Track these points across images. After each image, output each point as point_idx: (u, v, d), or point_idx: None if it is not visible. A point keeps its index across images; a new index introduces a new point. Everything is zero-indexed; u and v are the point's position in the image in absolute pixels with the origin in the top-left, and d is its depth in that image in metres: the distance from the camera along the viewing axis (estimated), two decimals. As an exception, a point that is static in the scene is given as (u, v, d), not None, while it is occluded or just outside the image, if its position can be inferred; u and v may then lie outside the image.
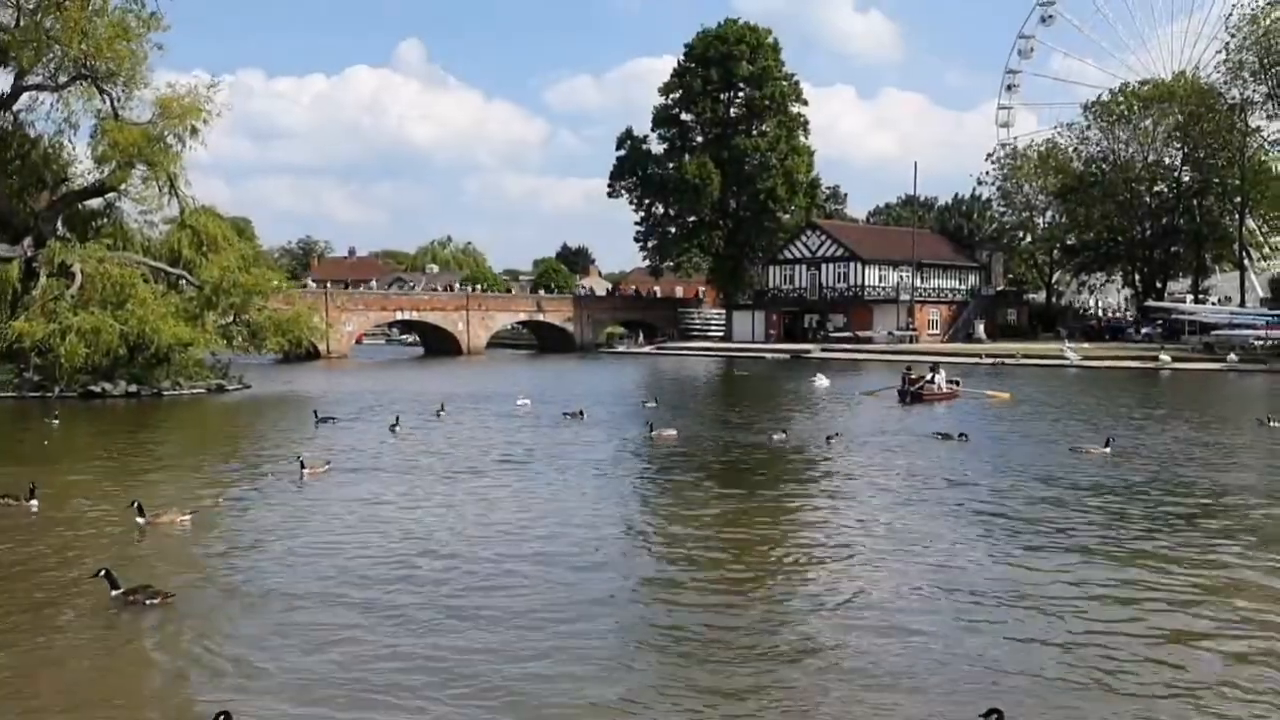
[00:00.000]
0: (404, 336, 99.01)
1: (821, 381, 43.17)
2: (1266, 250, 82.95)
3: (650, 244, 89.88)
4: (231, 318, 43.75)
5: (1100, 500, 17.42)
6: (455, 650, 10.11)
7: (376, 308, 78.84)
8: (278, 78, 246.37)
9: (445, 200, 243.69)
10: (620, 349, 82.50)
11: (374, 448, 24.47)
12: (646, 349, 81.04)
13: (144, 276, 40.60)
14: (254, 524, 16.05)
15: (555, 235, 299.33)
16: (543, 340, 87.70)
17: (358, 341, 79.58)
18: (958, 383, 38.41)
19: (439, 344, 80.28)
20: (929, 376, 36.48)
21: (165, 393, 39.54)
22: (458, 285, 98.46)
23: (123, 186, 43.20)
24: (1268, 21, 69.93)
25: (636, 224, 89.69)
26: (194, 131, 42.41)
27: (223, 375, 43.34)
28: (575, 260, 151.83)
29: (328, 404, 35.90)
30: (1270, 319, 62.50)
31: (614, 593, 12.15)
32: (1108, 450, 22.50)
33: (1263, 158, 75.69)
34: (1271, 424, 27.10)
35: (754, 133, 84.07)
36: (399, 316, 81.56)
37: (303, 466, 20.13)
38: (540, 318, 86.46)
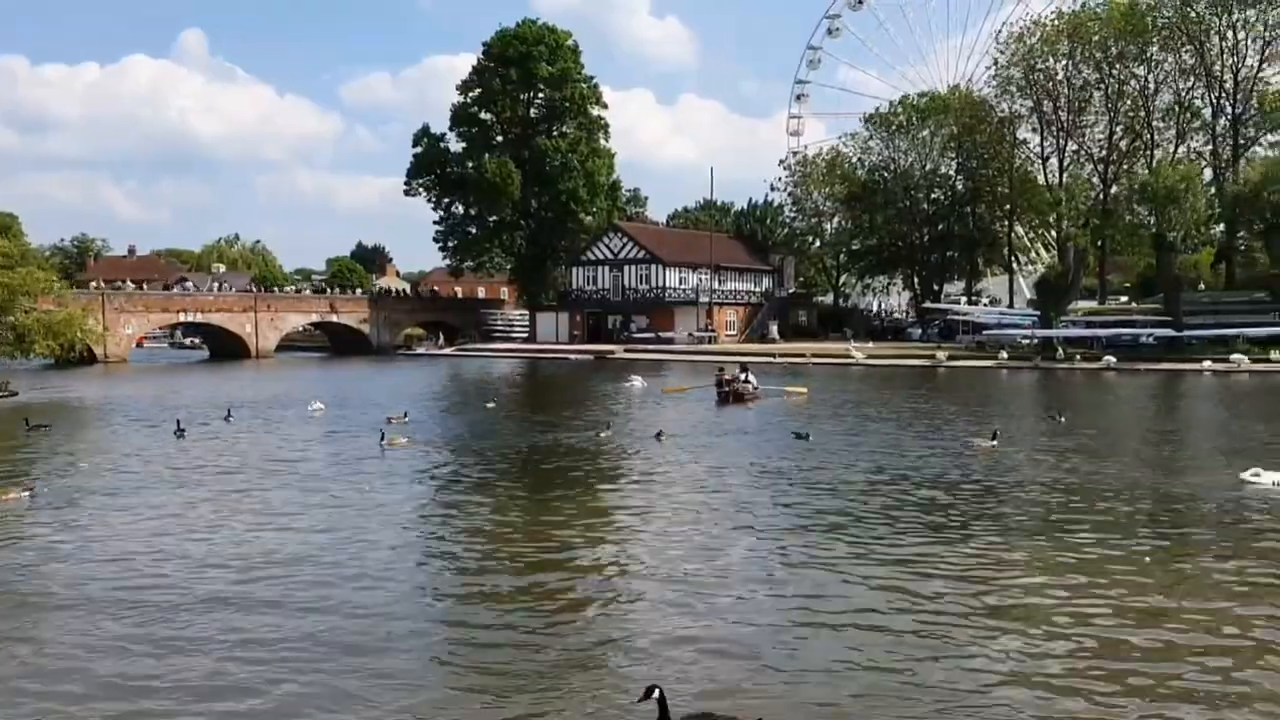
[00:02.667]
0: (188, 339, 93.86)
1: (637, 383, 43.58)
2: (1032, 255, 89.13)
3: (450, 243, 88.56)
4: (-8, 320, 40.51)
5: (941, 495, 18.19)
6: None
7: (158, 309, 74.33)
8: (45, 65, 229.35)
9: (233, 197, 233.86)
10: (420, 351, 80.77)
11: (123, 463, 22.49)
12: (447, 351, 79.67)
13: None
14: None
15: (350, 234, 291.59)
16: (337, 342, 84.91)
17: (138, 345, 75.02)
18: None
19: (225, 347, 76.42)
20: (741, 376, 37.29)
21: (-86, 401, 36.26)
22: (218, 285, 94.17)
23: None
24: (1032, 40, 75.18)
25: (436, 223, 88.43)
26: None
27: (-17, 382, 40.03)
28: (371, 259, 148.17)
29: (103, 411, 33.62)
30: (1035, 319, 67.08)
31: (400, 611, 11.60)
32: (994, 444, 23.45)
33: (1029, 168, 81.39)
34: (1061, 419, 28.87)
35: (554, 134, 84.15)
36: (183, 319, 77.13)
37: None
38: (334, 319, 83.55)
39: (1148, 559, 13.38)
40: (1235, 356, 53.51)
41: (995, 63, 79.32)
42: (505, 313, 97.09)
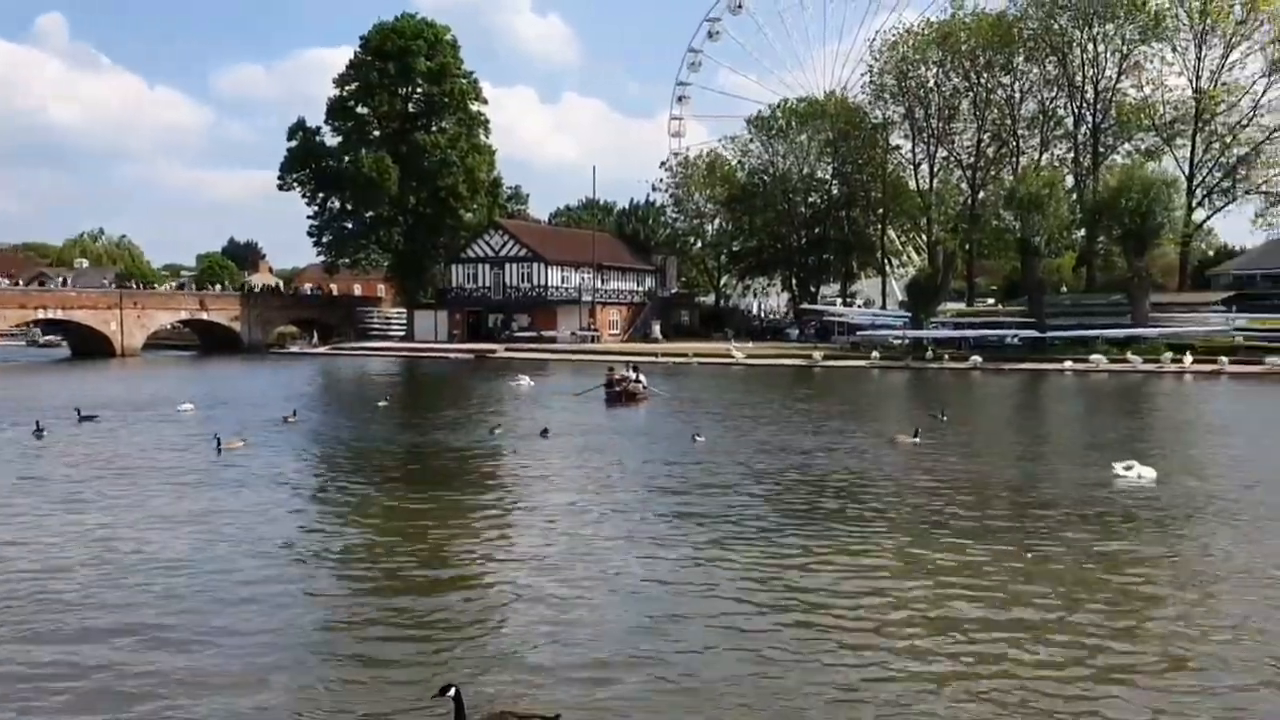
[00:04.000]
0: (46, 338, 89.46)
1: (525, 382, 43.18)
2: (904, 258, 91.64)
3: (325, 239, 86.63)
4: None
5: (815, 495, 18.31)
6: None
7: (15, 305, 70.40)
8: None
9: (97, 190, 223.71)
10: (294, 349, 78.65)
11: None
12: (322, 350, 77.81)
13: None
14: None
15: (222, 229, 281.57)
16: (207, 341, 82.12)
17: (-8, 343, 71.28)
18: None
19: (89, 345, 72.97)
20: (632, 376, 37.23)
21: None
22: (64, 280, 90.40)
23: None
24: (904, 48, 77.32)
25: (311, 219, 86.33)
26: None
27: None
28: (244, 255, 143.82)
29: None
30: (906, 320, 69.03)
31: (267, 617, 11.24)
32: (917, 440, 23.99)
33: (901, 174, 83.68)
34: (944, 418, 29.53)
35: (434, 129, 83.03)
36: (42, 315, 73.36)
37: None
38: (204, 316, 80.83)
39: (1029, 555, 13.70)
40: (1094, 357, 55.92)
41: (869, 70, 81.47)
42: (382, 311, 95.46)
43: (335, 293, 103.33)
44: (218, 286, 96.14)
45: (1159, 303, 64.38)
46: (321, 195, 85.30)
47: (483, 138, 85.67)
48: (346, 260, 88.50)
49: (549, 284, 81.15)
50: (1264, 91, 69.74)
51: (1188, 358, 54.57)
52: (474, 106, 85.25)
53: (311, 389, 44.72)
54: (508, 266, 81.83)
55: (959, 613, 11.24)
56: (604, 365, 40.90)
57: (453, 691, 7.99)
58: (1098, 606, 11.46)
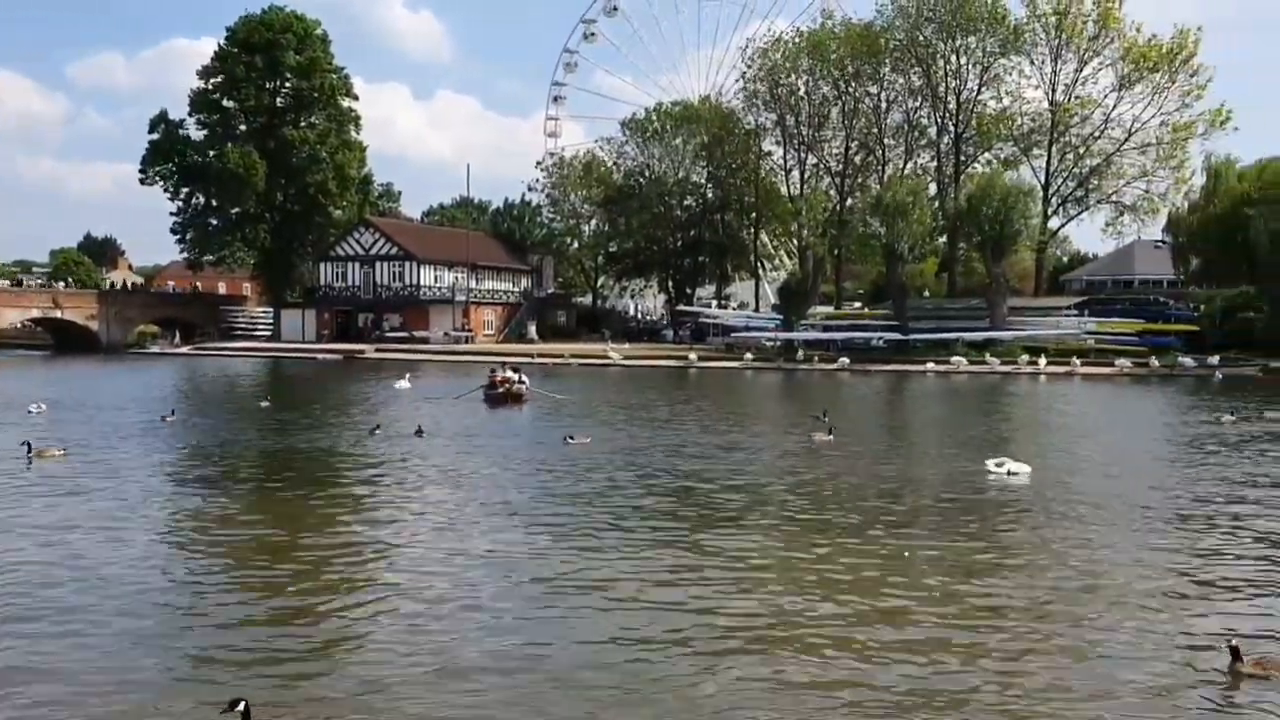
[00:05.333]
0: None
1: (403, 384, 42.46)
2: (776, 262, 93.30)
3: (189, 236, 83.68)
4: None
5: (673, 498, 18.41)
6: None
7: None
8: None
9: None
10: (154, 350, 75.85)
11: None
12: (184, 350, 75.18)
13: None
14: None
15: (79, 224, 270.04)
16: (61, 340, 78.45)
17: None
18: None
19: (-73, 344, 69.20)
20: (515, 377, 36.94)
21: None
22: None
23: None
24: (775, 56, 78.80)
25: (174, 214, 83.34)
26: None
27: None
28: (102, 252, 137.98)
29: None
30: (778, 323, 70.37)
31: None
32: (830, 438, 24.43)
33: (773, 179, 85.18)
34: (824, 419, 29.97)
35: (302, 125, 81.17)
36: (-128, 312, 69.18)
37: None
38: (57, 314, 77.23)
39: (907, 554, 13.88)
40: (955, 358, 57.90)
41: (742, 76, 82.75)
42: (248, 310, 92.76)
43: (199, 291, 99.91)
44: (61, 284, 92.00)
45: (1016, 307, 67.14)
46: (185, 190, 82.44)
47: (353, 134, 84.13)
48: (211, 258, 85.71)
49: (421, 283, 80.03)
50: (1114, 105, 73.50)
51: (1042, 360, 56.96)
52: (344, 102, 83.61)
53: (176, 390, 43.01)
54: (378, 265, 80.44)
55: (838, 611, 11.37)
56: (478, 366, 40.59)
57: (242, 705, 7.72)
58: (974, 600, 11.76)
